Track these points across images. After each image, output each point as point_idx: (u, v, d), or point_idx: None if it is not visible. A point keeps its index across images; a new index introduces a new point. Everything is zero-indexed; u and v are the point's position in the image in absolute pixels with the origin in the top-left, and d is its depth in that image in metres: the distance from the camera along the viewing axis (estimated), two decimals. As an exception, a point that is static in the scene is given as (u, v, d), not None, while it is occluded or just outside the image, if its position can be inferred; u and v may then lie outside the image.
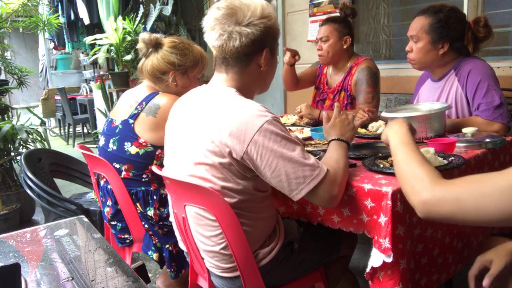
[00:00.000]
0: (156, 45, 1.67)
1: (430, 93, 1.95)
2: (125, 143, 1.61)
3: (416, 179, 0.91)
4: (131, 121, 1.61)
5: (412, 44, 1.84)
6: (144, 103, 1.62)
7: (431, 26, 1.77)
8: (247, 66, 1.20)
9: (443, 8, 1.80)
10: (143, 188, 1.63)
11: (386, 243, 1.07)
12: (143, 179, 1.63)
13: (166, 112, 1.45)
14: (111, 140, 1.64)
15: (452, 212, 0.83)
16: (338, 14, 2.34)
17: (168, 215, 1.61)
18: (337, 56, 2.29)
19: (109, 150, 1.65)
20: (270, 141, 1.07)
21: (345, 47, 2.27)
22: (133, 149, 1.60)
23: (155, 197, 1.63)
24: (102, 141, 1.70)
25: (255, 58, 1.19)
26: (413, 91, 2.14)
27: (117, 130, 1.64)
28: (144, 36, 1.66)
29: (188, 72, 1.69)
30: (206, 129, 1.14)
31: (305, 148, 1.58)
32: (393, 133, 1.10)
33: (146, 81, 1.73)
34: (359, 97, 2.24)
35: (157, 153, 1.61)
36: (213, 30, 1.16)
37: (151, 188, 1.64)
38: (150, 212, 1.62)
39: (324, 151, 1.35)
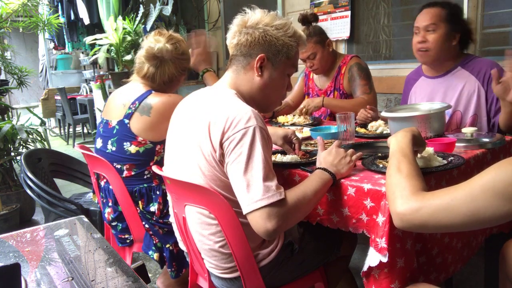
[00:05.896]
0: (161, 57, 1.66)
1: (430, 89, 1.95)
2: (124, 143, 1.61)
3: (399, 189, 0.94)
4: (126, 121, 1.61)
5: (425, 34, 1.81)
6: (137, 102, 1.61)
7: (447, 16, 1.79)
8: (244, 67, 1.25)
9: (450, 3, 1.84)
10: (145, 185, 1.64)
11: (382, 242, 1.07)
12: (145, 176, 1.65)
13: (160, 110, 1.52)
14: (109, 142, 1.65)
15: (425, 220, 0.86)
16: (304, 27, 2.29)
17: (168, 212, 1.62)
18: (329, 62, 2.33)
19: (107, 151, 1.65)
20: (247, 143, 1.06)
21: (330, 50, 2.31)
22: (133, 148, 1.61)
23: (158, 192, 1.65)
24: (99, 143, 1.70)
25: (252, 60, 1.23)
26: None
27: (114, 131, 1.64)
28: (150, 49, 1.65)
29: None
30: (201, 128, 1.16)
31: (305, 148, 1.58)
32: (395, 140, 1.11)
33: (138, 79, 1.70)
34: (356, 91, 2.26)
35: (156, 148, 1.63)
36: (231, 31, 1.28)
37: (153, 184, 1.66)
38: (154, 207, 1.63)
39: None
